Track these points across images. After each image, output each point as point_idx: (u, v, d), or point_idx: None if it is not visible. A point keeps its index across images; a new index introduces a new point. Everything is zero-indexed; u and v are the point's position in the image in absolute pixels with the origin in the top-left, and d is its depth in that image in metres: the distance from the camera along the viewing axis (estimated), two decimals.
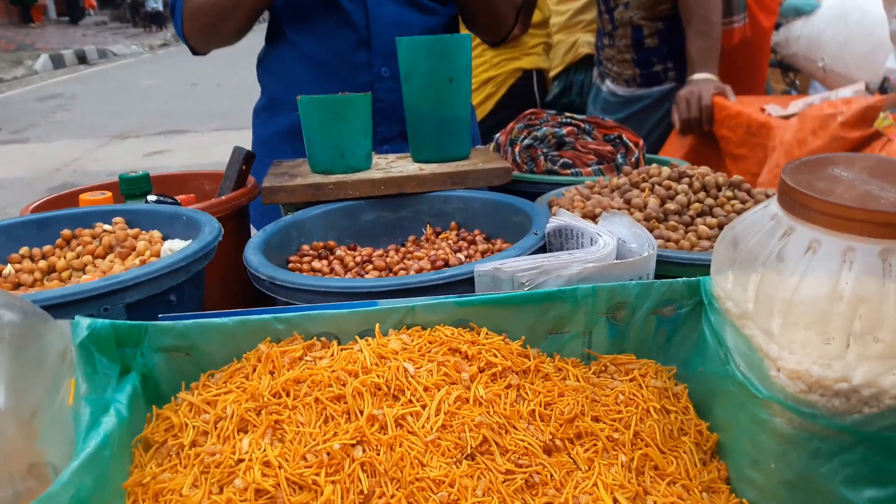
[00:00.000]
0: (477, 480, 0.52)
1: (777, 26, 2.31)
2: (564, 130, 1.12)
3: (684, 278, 0.63)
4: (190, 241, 0.74)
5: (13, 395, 0.49)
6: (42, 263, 0.80)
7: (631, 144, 1.12)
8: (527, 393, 0.59)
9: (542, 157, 1.08)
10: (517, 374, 0.60)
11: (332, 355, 0.59)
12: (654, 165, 0.87)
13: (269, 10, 1.28)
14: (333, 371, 0.57)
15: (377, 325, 0.61)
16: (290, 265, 0.80)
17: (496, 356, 0.60)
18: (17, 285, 0.79)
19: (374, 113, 1.26)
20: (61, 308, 0.59)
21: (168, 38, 16.45)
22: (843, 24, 1.93)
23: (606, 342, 0.65)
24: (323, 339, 0.61)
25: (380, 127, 1.24)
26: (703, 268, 0.68)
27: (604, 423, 0.59)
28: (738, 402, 0.57)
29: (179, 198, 1.03)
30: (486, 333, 0.62)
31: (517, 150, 1.10)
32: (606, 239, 0.66)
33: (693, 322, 0.64)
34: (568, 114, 1.16)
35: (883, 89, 1.46)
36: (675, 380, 0.65)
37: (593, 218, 0.77)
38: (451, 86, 0.92)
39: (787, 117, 1.72)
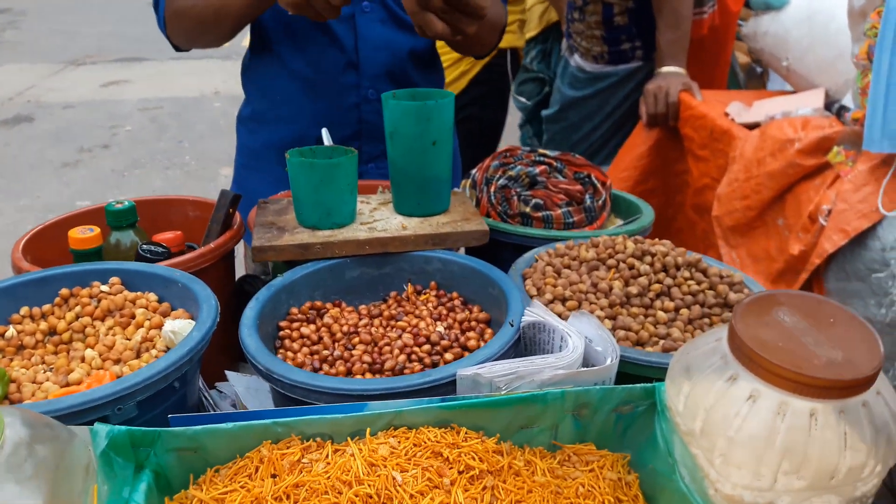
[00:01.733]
0: None
1: (746, 16, 2.36)
2: (537, 170, 1.17)
3: (642, 385, 0.71)
4: (188, 320, 0.79)
5: None
6: (43, 325, 0.85)
7: (598, 185, 1.18)
8: (500, 492, 0.67)
9: (515, 198, 1.14)
10: (492, 473, 0.68)
11: (327, 457, 0.66)
12: (621, 238, 0.93)
13: (256, 20, 1.28)
14: (329, 478, 0.64)
15: (368, 428, 0.68)
16: (281, 332, 0.86)
17: (474, 458, 0.67)
18: (19, 347, 0.84)
19: (360, 134, 1.30)
20: (79, 414, 0.64)
21: None
22: (809, 27, 1.98)
23: (571, 433, 0.73)
24: (316, 438, 0.68)
25: (365, 147, 1.28)
26: (660, 370, 0.76)
27: None
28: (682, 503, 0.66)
29: (166, 237, 1.07)
30: (466, 433, 0.69)
31: (492, 189, 1.15)
32: (575, 341, 0.73)
33: (647, 419, 0.72)
34: (541, 151, 1.22)
35: (839, 113, 1.54)
36: (629, 467, 0.73)
37: (564, 301, 0.84)
38: (434, 148, 0.96)
39: (749, 125, 1.78)
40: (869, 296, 1.33)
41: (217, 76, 6.72)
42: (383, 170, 1.32)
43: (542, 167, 1.18)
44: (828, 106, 1.80)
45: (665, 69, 2.13)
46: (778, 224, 1.55)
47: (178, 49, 1.34)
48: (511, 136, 3.40)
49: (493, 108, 2.62)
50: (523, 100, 3.21)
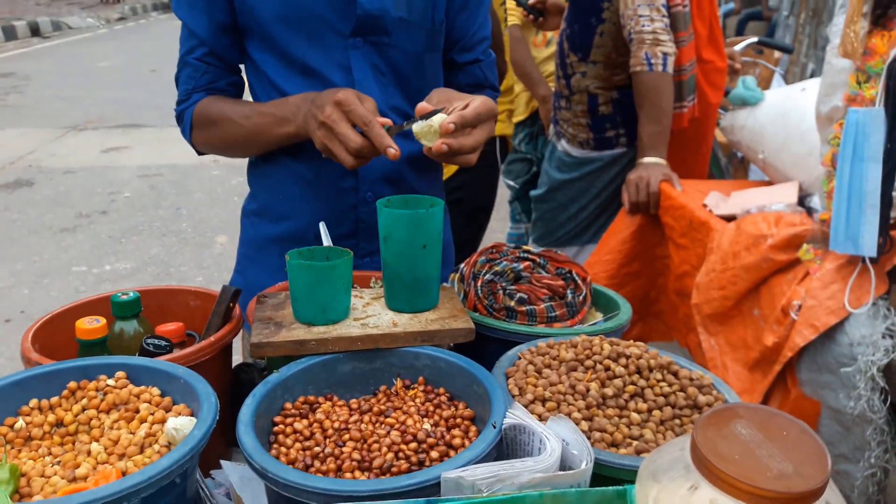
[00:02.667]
0: None
1: (725, 109, 2.48)
2: (522, 266, 1.24)
3: (615, 488, 0.76)
4: (190, 417, 0.84)
5: None
6: (51, 416, 0.89)
7: (579, 280, 1.25)
8: None
9: (500, 292, 1.21)
10: None
11: None
12: (598, 340, 1.00)
13: None
14: None
15: None
16: (276, 427, 0.91)
17: None
18: (27, 439, 0.88)
19: (357, 233, 1.37)
20: None
21: (125, 12, 16.12)
22: (783, 125, 2.10)
23: None
24: None
25: (362, 243, 1.36)
26: (631, 472, 0.81)
27: None
28: None
29: (168, 328, 1.13)
30: None
31: (479, 283, 1.22)
32: (553, 445, 0.78)
33: None
34: (525, 247, 1.29)
35: (809, 210, 1.62)
36: None
37: (544, 402, 0.90)
38: (425, 251, 1.03)
39: (727, 218, 1.87)
40: (839, 388, 1.38)
41: None
42: (378, 264, 1.38)
43: (527, 263, 1.25)
44: (801, 199, 1.90)
45: (647, 160, 2.24)
46: (754, 314, 1.62)
47: (200, 154, 1.43)
48: (501, 209, 3.50)
49: (483, 191, 2.73)
50: (511, 182, 3.35)
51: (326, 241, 1.24)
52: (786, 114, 2.12)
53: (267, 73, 1.32)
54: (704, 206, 1.97)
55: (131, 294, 1.17)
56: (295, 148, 1.31)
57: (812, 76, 4.74)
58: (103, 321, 1.10)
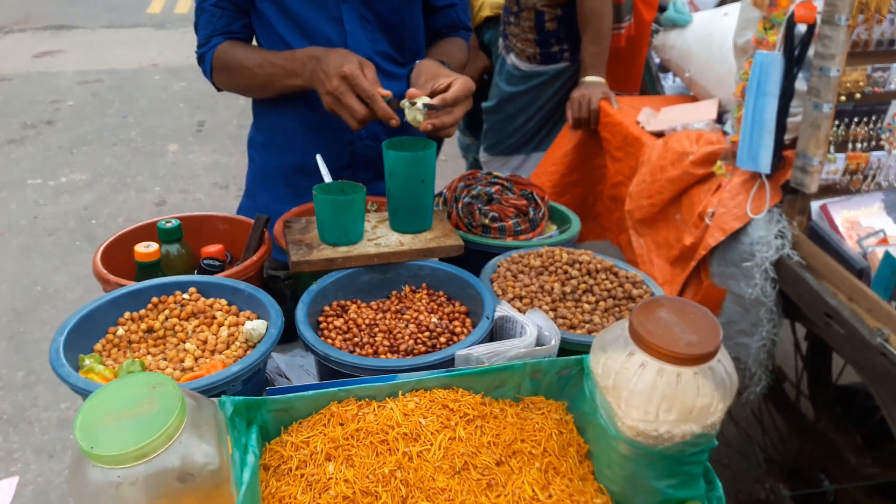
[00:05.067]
0: (463, 486, 0.97)
1: (657, 31, 2.74)
2: (493, 189, 1.53)
3: (575, 356, 1.08)
4: (261, 320, 1.12)
5: (222, 455, 0.88)
6: (143, 325, 1.16)
7: (539, 200, 1.54)
8: (485, 429, 1.03)
9: (477, 212, 1.49)
10: (480, 417, 1.04)
11: (375, 411, 1.01)
12: (558, 250, 1.30)
13: None
14: (379, 424, 0.99)
15: (400, 391, 1.03)
16: (321, 325, 1.19)
17: (468, 408, 1.03)
18: (129, 342, 1.14)
19: (353, 164, 1.62)
20: (208, 391, 0.97)
21: None
22: (708, 45, 2.38)
23: (528, 390, 1.10)
24: (366, 399, 1.03)
25: (358, 174, 1.61)
26: (586, 346, 1.13)
27: (527, 443, 1.04)
28: (601, 432, 1.03)
29: (211, 250, 1.38)
30: (462, 392, 1.05)
31: (459, 206, 1.50)
32: (531, 330, 1.10)
33: (578, 379, 1.09)
34: (495, 173, 1.57)
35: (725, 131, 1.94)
36: (567, 411, 1.11)
37: (521, 298, 1.21)
38: (423, 185, 1.30)
39: (657, 133, 2.18)
40: (741, 278, 1.75)
41: (153, 47, 6.75)
42: (372, 191, 1.64)
43: (497, 186, 1.54)
44: (721, 115, 2.21)
45: (588, 79, 2.51)
46: (676, 219, 1.95)
47: (219, 91, 1.62)
48: None
49: None
50: None
51: (324, 171, 1.49)
52: (710, 35, 2.39)
53: (271, 22, 1.52)
54: (637, 122, 2.26)
55: (174, 222, 1.41)
56: (300, 94, 1.53)
57: None
58: (156, 246, 1.34)
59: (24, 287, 3.33)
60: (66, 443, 2.60)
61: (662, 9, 2.76)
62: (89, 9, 7.74)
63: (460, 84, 1.36)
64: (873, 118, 1.60)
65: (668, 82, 3.04)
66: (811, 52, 1.54)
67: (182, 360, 1.08)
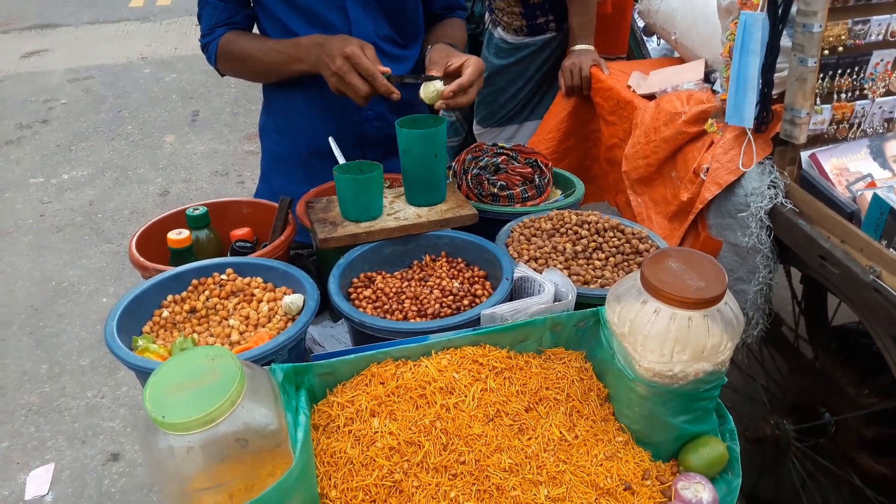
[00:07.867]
0: (497, 431, 1.06)
1: None
2: (499, 160, 1.61)
3: (591, 309, 1.17)
4: (298, 294, 1.20)
5: (279, 417, 0.97)
6: (186, 306, 1.24)
7: (543, 167, 1.62)
8: (513, 380, 1.12)
9: (486, 182, 1.57)
10: (507, 370, 1.13)
11: (411, 369, 1.10)
12: (566, 212, 1.39)
13: None
14: (416, 380, 1.08)
15: (432, 350, 1.12)
16: (351, 295, 1.28)
17: (496, 362, 1.12)
18: (174, 322, 1.23)
19: (362, 144, 1.70)
20: (259, 360, 1.06)
21: None
22: (691, 8, 2.44)
23: (549, 342, 1.19)
24: (402, 359, 1.12)
25: (367, 153, 1.68)
26: (601, 299, 1.22)
27: (551, 391, 1.14)
28: (619, 376, 1.13)
29: (242, 233, 1.46)
30: (489, 348, 1.14)
31: (469, 177, 1.58)
32: (549, 287, 1.18)
33: (595, 329, 1.18)
34: (500, 144, 1.65)
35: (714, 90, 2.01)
36: (586, 360, 1.20)
37: (536, 259, 1.30)
38: (436, 159, 1.38)
39: (647, 96, 2.25)
40: (737, 228, 1.84)
41: (139, 40, 6.75)
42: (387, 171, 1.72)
43: (503, 157, 1.62)
44: (707, 75, 2.28)
45: (578, 47, 2.57)
46: (672, 176, 2.04)
47: (223, 76, 1.69)
48: None
49: None
50: None
51: (337, 152, 1.56)
52: None
53: (275, 12, 1.58)
54: (629, 86, 2.33)
55: (201, 209, 1.48)
56: (308, 77, 1.60)
57: None
58: (187, 232, 1.42)
59: (38, 283, 3.41)
60: (97, 428, 2.70)
61: None
62: (70, 6, 7.70)
63: (473, 66, 1.43)
64: (856, 69, 1.68)
65: (653, 45, 3.11)
66: (794, 9, 1.62)
67: (228, 336, 1.17)
